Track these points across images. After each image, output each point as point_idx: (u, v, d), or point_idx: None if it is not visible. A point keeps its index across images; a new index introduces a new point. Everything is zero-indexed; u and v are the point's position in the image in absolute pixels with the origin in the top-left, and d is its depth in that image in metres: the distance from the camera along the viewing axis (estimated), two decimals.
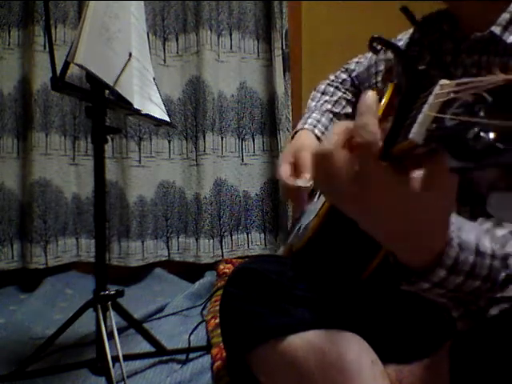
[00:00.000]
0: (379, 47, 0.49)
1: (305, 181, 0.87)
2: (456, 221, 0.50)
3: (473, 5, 0.69)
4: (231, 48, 2.04)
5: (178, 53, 2.02)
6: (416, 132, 0.37)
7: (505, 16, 0.65)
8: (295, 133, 1.01)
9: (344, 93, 1.07)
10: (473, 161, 0.32)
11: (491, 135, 0.31)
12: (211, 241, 1.97)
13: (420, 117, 0.37)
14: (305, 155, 0.90)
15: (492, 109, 0.32)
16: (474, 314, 0.53)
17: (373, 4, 2.05)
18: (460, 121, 0.33)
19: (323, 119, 1.01)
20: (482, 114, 0.32)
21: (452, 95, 0.35)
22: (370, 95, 0.43)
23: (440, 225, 0.47)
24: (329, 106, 1.04)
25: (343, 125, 0.47)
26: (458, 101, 0.34)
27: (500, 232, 0.53)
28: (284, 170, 0.92)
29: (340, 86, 1.07)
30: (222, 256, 2.00)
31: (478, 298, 0.52)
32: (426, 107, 0.37)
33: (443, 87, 0.37)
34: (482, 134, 0.31)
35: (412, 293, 0.53)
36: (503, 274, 0.51)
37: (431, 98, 0.37)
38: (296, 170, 0.91)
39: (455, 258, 0.48)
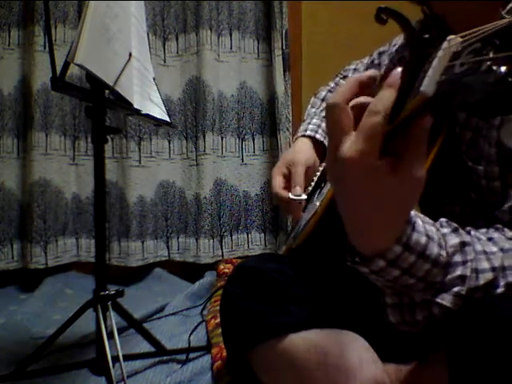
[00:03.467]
0: (386, 18, 0.49)
1: (297, 193, 0.87)
2: (414, 218, 0.52)
3: (461, 8, 0.68)
4: (231, 48, 2.04)
5: (178, 53, 2.02)
6: (427, 84, 0.37)
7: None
8: (295, 139, 1.01)
9: None
10: (485, 97, 0.32)
11: (503, 68, 0.31)
12: (211, 241, 1.97)
13: (430, 70, 0.38)
14: (297, 169, 0.90)
15: (501, 49, 0.32)
16: (406, 307, 0.55)
17: (373, 4, 2.04)
18: (470, 64, 0.33)
19: (323, 124, 1.01)
20: (491, 54, 0.32)
21: (460, 46, 0.35)
22: (399, 71, 0.44)
23: (396, 218, 0.49)
24: None
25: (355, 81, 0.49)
26: (467, 49, 0.35)
27: (453, 240, 0.55)
28: (277, 183, 0.92)
29: None
30: (222, 256, 2.00)
31: (412, 293, 0.54)
32: (435, 61, 0.38)
33: (451, 41, 0.37)
34: (493, 67, 0.32)
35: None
36: (439, 280, 0.53)
37: (440, 52, 0.38)
38: (289, 183, 0.91)
39: (397, 255, 0.51)
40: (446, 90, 0.36)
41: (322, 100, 1.09)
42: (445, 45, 0.38)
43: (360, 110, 0.46)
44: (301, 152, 0.95)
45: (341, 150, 0.46)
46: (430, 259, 0.52)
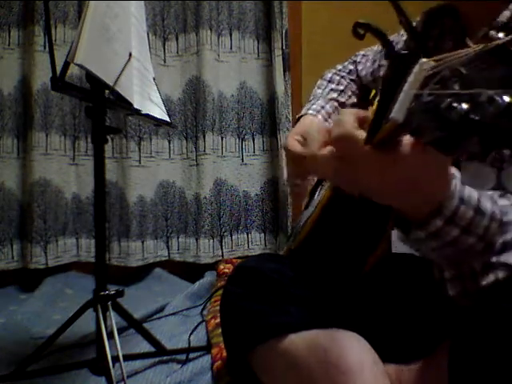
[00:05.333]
0: (362, 33, 0.49)
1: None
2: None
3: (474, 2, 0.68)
4: (231, 48, 2.04)
5: (178, 53, 2.02)
6: (397, 111, 0.38)
7: (505, 13, 0.65)
8: (299, 118, 1.00)
9: (349, 83, 1.06)
10: (449, 132, 0.32)
11: (464, 106, 0.31)
12: (211, 241, 1.97)
13: (401, 95, 0.38)
14: (312, 136, 0.89)
15: (467, 81, 0.32)
16: (467, 277, 0.53)
17: (373, 4, 2.04)
18: (436, 95, 0.33)
19: (327, 106, 1.01)
20: (456, 86, 0.32)
21: (431, 72, 0.35)
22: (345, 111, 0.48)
23: (438, 178, 0.48)
24: (334, 95, 1.04)
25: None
26: (436, 77, 0.34)
27: (502, 202, 0.54)
28: (294, 143, 0.88)
29: (346, 76, 1.07)
30: (222, 256, 2.00)
31: (472, 258, 0.53)
32: (406, 86, 0.38)
33: (422, 65, 0.37)
34: (454, 104, 0.31)
35: (412, 292, 0.53)
36: (500, 240, 0.52)
37: (411, 77, 0.38)
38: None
39: (454, 211, 0.49)
40: (414, 118, 0.36)
41: (329, 81, 1.07)
42: (416, 68, 0.38)
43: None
44: (312, 124, 0.95)
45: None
46: (487, 214, 0.51)
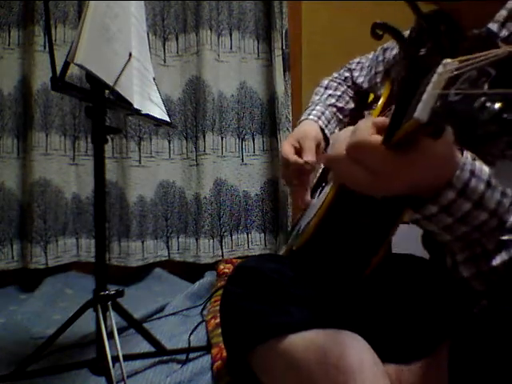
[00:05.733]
0: (381, 33, 0.49)
1: (309, 159, 0.87)
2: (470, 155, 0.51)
3: (469, 3, 0.68)
4: (231, 48, 2.04)
5: (178, 53, 2.02)
6: (421, 110, 0.37)
7: (502, 13, 0.65)
8: (299, 123, 1.01)
9: (346, 89, 1.07)
10: (479, 132, 0.32)
11: (497, 105, 0.31)
12: (211, 241, 1.97)
13: (425, 96, 0.38)
14: (309, 142, 0.91)
15: (496, 81, 0.32)
16: (480, 258, 0.53)
17: (373, 4, 2.04)
18: (465, 94, 0.33)
19: (327, 112, 1.02)
20: (486, 86, 0.32)
21: (455, 72, 0.35)
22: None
23: (448, 163, 0.49)
24: (333, 101, 1.05)
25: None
26: (462, 77, 0.34)
27: None
28: (288, 150, 0.92)
29: (343, 82, 1.08)
30: (222, 256, 2.00)
31: (484, 237, 0.52)
32: (430, 86, 0.38)
33: (446, 66, 0.37)
34: (487, 104, 0.31)
35: (412, 293, 0.53)
36: None
37: (435, 77, 0.38)
38: (299, 154, 0.91)
39: (465, 183, 0.50)
40: (439, 117, 0.36)
41: (326, 88, 1.09)
42: (440, 69, 0.38)
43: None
44: (310, 129, 0.96)
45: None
46: (498, 189, 0.51)
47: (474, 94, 0.32)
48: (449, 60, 0.38)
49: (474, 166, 0.51)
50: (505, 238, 0.51)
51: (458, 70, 0.35)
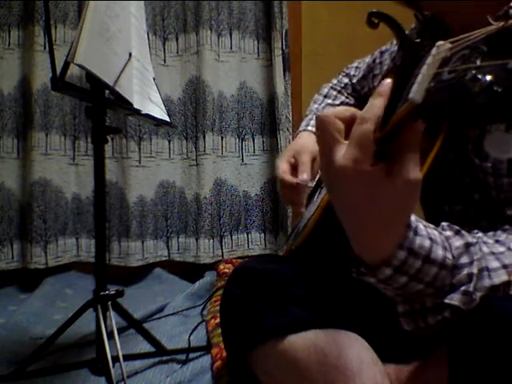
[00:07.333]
0: (377, 22, 0.49)
1: (304, 179, 0.87)
2: (415, 223, 0.52)
3: (463, 7, 0.68)
4: (231, 48, 2.04)
5: (177, 53, 2.02)
6: (415, 91, 0.37)
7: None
8: (296, 134, 1.01)
9: (346, 97, 1.07)
10: (471, 105, 0.32)
11: (488, 77, 0.31)
12: (211, 241, 1.97)
13: (419, 77, 0.38)
14: (304, 157, 0.90)
15: (488, 56, 0.32)
16: (418, 313, 0.54)
17: (373, 4, 2.04)
18: (457, 72, 0.33)
19: None
20: (478, 62, 0.32)
21: (449, 53, 0.35)
22: (389, 81, 0.45)
23: (396, 222, 0.49)
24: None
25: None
26: (455, 56, 0.34)
27: (457, 242, 0.54)
28: (283, 168, 0.92)
29: (342, 90, 1.08)
30: (222, 256, 2.00)
31: (421, 299, 0.54)
32: (424, 68, 0.38)
33: (440, 47, 0.37)
34: (479, 75, 0.32)
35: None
36: (448, 282, 0.52)
37: (429, 59, 0.38)
38: (295, 171, 0.91)
39: (403, 261, 0.50)
40: (434, 97, 0.36)
41: (325, 96, 1.09)
42: (434, 51, 0.38)
43: (350, 121, 0.47)
44: (306, 143, 0.96)
45: (333, 158, 0.46)
46: (437, 262, 0.51)
47: (466, 69, 0.32)
48: (442, 42, 0.38)
49: (413, 244, 0.50)
50: (441, 300, 0.52)
51: (451, 50, 0.36)
